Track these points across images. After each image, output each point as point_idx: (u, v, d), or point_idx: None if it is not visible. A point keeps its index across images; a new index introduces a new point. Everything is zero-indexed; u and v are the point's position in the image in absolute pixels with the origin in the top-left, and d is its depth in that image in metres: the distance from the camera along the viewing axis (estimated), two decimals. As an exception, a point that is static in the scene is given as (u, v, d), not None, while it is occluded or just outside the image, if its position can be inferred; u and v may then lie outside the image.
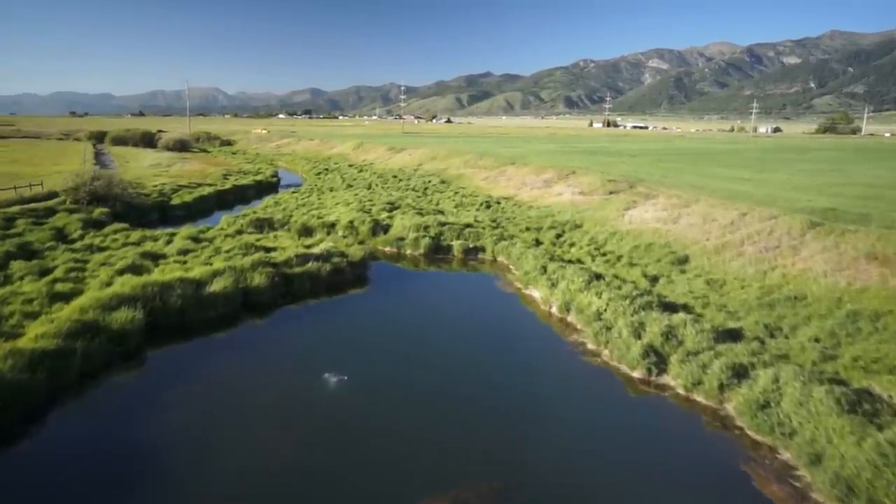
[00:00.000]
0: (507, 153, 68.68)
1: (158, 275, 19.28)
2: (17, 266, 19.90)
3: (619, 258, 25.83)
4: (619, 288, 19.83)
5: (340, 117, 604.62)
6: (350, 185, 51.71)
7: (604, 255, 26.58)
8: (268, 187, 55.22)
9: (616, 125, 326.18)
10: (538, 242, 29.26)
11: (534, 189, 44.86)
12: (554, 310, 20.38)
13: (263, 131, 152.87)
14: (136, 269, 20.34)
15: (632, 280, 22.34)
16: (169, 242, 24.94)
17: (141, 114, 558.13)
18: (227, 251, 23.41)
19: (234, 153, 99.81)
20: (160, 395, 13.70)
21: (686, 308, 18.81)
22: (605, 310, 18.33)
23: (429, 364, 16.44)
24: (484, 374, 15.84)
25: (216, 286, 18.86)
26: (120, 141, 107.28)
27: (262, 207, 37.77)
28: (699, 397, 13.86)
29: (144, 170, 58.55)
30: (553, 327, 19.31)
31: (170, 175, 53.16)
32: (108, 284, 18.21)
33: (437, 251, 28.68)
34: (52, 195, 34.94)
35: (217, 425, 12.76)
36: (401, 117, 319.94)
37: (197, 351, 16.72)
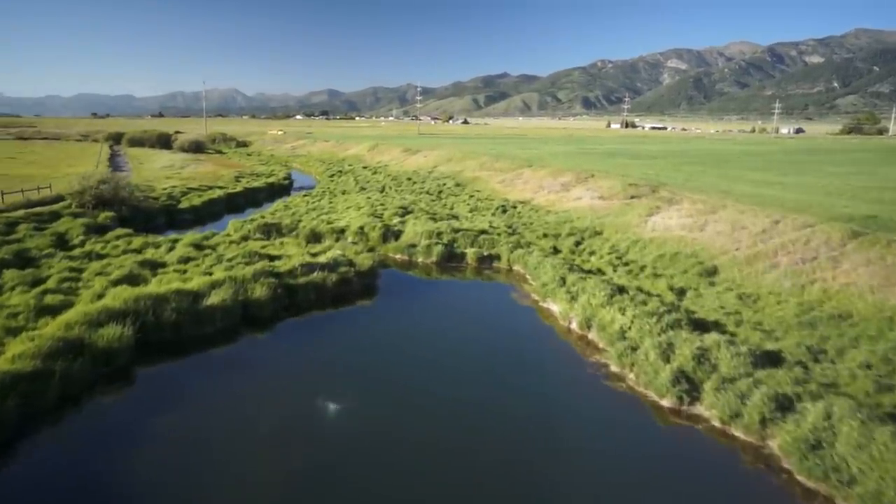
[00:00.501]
0: (523, 155, 67.24)
1: (154, 286, 18.26)
2: (8, 275, 19.01)
3: (642, 268, 24.35)
4: (645, 303, 18.38)
5: (357, 118, 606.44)
6: (363, 188, 50.66)
7: (626, 264, 25.11)
8: (280, 190, 54.42)
9: (634, 126, 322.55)
10: (556, 250, 27.88)
11: (551, 193, 43.42)
12: (574, 326, 19.00)
13: (279, 132, 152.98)
14: (132, 279, 19.35)
15: (657, 293, 20.89)
16: (171, 250, 23.99)
17: (160, 115, 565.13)
18: (230, 259, 22.37)
19: (249, 154, 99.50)
20: (143, 423, 12.58)
21: (718, 326, 17.35)
22: (630, 328, 16.92)
23: (438, 387, 15.18)
24: (498, 400, 14.53)
25: (214, 299, 17.78)
26: (137, 142, 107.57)
27: (272, 212, 36.82)
28: (738, 432, 12.42)
29: (157, 172, 58.08)
30: (573, 346, 17.93)
31: (181, 177, 52.55)
32: (100, 296, 17.21)
33: (451, 259, 27.42)
34: (60, 199, 34.29)
35: (206, 458, 11.62)
36: (417, 118, 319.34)
37: (190, 370, 15.62)
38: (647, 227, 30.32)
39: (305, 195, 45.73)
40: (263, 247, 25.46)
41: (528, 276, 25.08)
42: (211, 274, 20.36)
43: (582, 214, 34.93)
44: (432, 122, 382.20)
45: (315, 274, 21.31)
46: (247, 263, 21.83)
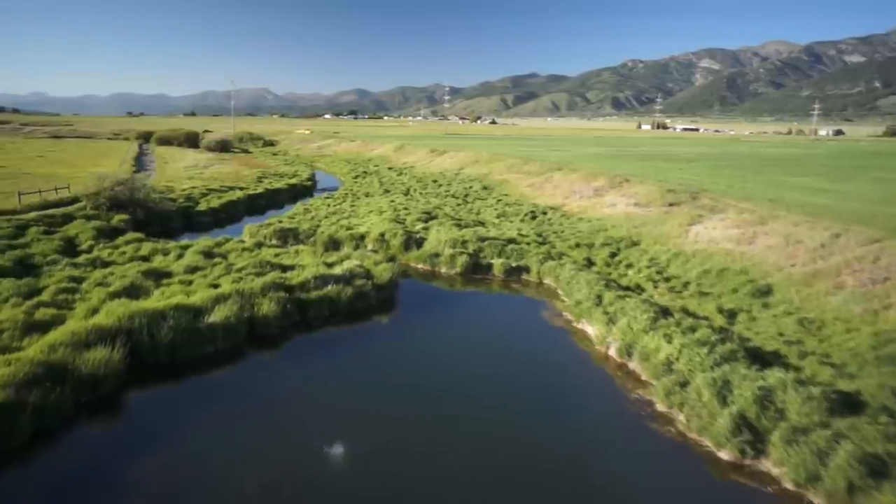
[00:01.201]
0: (553, 157, 65.08)
1: (153, 300, 16.88)
2: (4, 286, 17.82)
3: (685, 285, 22.23)
4: (693, 329, 16.31)
5: (385, 118, 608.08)
6: (387, 191, 49.14)
7: (667, 280, 22.99)
8: (303, 191, 53.25)
9: (665, 127, 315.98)
10: (590, 262, 25.87)
11: (583, 198, 41.30)
12: (612, 352, 17.04)
13: (306, 132, 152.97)
14: (132, 292, 18.01)
15: (704, 315, 18.80)
16: (179, 257, 22.69)
17: (192, 114, 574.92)
18: (240, 269, 20.93)
19: (274, 154, 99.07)
20: (120, 466, 11.07)
21: (778, 358, 15.23)
22: (678, 358, 14.92)
23: (460, 423, 13.41)
24: (529, 441, 12.72)
25: (217, 315, 16.30)
26: (165, 141, 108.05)
27: (290, 215, 35.48)
28: (818, 499, 10.39)
29: (180, 171, 57.48)
30: (611, 376, 15.99)
31: (203, 178, 51.74)
32: (95, 311, 15.87)
33: (476, 270, 25.62)
34: (76, 200, 33.43)
35: (187, 511, 10.08)
36: (445, 118, 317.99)
37: (183, 399, 14.10)
38: (688, 238, 28.09)
39: (327, 197, 44.38)
40: (277, 255, 24.01)
41: (559, 292, 23.15)
42: (217, 286, 18.93)
43: (617, 223, 32.78)
44: (460, 122, 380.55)
45: (329, 287, 19.73)
46: (257, 274, 20.36)
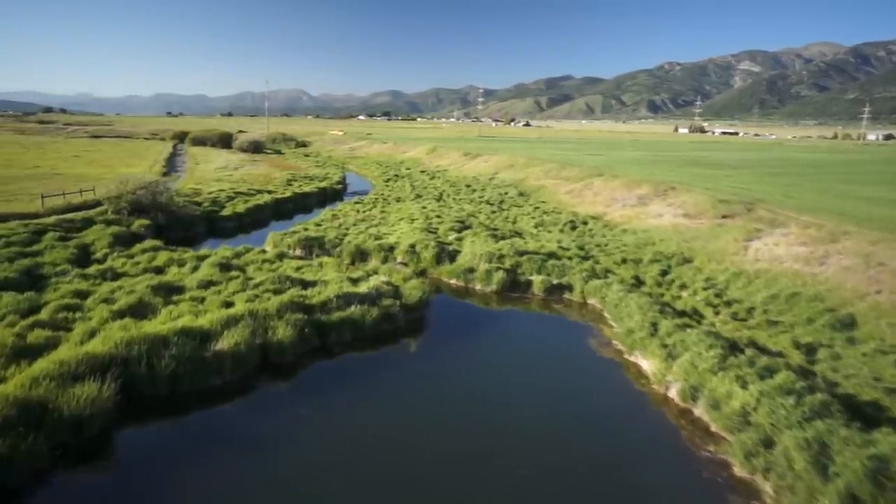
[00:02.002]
0: (591, 162, 62.51)
1: (158, 322, 15.29)
2: (4, 301, 16.49)
3: (750, 311, 19.76)
4: (771, 372, 13.90)
5: (418, 119, 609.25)
6: (419, 195, 47.33)
7: (728, 305, 20.53)
8: (332, 195, 51.82)
9: (704, 131, 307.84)
10: (639, 281, 23.53)
11: (626, 207, 38.80)
12: (673, 395, 14.77)
13: (339, 133, 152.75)
14: (138, 310, 16.48)
15: (778, 350, 16.40)
16: (195, 269, 21.16)
17: (229, 114, 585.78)
18: (257, 285, 19.27)
19: (306, 155, 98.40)
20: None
21: (880, 411, 12.80)
22: (756, 409, 12.61)
23: (499, 474, 11.37)
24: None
25: (226, 342, 14.60)
26: (199, 141, 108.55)
27: (317, 221, 33.91)
28: None
29: (210, 173, 56.72)
30: (674, 424, 13.73)
31: (232, 180, 50.75)
32: (93, 334, 14.33)
33: (514, 287, 23.53)
34: (100, 203, 32.44)
35: None
36: (479, 120, 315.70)
37: (180, 442, 12.31)
38: (747, 255, 25.51)
39: (357, 202, 42.77)
40: (299, 268, 22.32)
41: (606, 315, 20.90)
42: (231, 304, 17.31)
43: (665, 236, 30.28)
44: (493, 125, 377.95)
45: (353, 308, 17.89)
46: (275, 291, 18.68)
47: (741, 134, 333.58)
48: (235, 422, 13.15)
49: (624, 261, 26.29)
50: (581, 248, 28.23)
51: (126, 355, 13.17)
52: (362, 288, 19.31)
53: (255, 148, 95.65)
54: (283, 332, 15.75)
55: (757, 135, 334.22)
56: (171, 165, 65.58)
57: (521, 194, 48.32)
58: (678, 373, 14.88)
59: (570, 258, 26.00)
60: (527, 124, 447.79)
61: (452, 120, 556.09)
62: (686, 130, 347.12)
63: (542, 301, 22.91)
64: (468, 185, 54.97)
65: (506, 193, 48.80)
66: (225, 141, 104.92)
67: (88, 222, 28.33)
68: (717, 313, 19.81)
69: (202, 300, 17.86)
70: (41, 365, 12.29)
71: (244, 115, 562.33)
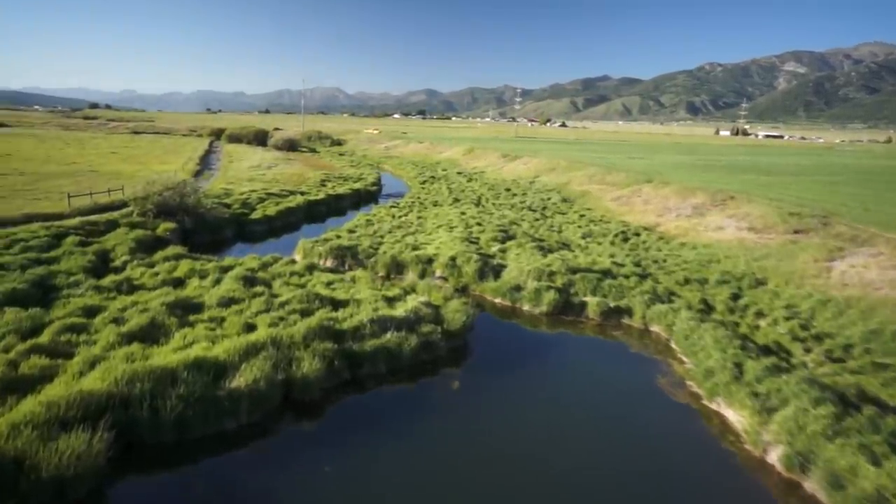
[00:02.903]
0: (636, 166, 59.41)
1: (168, 351, 13.39)
2: (7, 317, 14.86)
3: (847, 349, 16.96)
4: (903, 439, 11.28)
5: (453, 118, 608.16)
6: (457, 199, 45.10)
7: (818, 339, 17.75)
8: (367, 197, 49.99)
9: (747, 134, 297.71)
10: (707, 306, 20.84)
11: (681, 217, 35.91)
12: (773, 460, 12.20)
13: (374, 132, 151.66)
14: (149, 333, 14.66)
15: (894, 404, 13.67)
16: (217, 283, 19.34)
17: (266, 111, 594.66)
18: (283, 304, 17.32)
19: (341, 154, 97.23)
20: None
21: None
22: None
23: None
24: None
25: (244, 377, 12.62)
26: (235, 139, 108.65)
27: (351, 227, 31.98)
28: None
29: (243, 172, 55.55)
30: (776, 500, 11.20)
31: (265, 180, 49.35)
32: (94, 364, 12.52)
33: (566, 309, 21.10)
34: (126, 203, 31.13)
35: None
36: (514, 120, 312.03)
37: (184, 501, 10.41)
38: (831, 278, 22.56)
39: (392, 206, 40.78)
40: (329, 283, 20.32)
41: (674, 346, 18.35)
42: (252, 327, 15.38)
43: (731, 252, 27.41)
44: (529, 125, 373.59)
45: (389, 335, 15.78)
46: (303, 312, 16.70)
47: (786, 137, 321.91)
48: (251, 474, 11.13)
49: (687, 281, 23.59)
50: (637, 265, 25.62)
51: (127, 394, 11.29)
52: (399, 310, 17.18)
53: (290, 146, 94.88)
54: (309, 364, 13.71)
55: (803, 138, 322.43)
56: (205, 163, 64.81)
57: (564, 200, 45.67)
58: (779, 433, 12.31)
59: (626, 276, 23.43)
60: (563, 125, 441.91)
61: (488, 120, 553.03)
62: (727, 133, 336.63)
63: (597, 326, 20.44)
64: (508, 189, 52.54)
65: (548, 199, 46.22)
66: (260, 139, 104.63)
67: (112, 225, 26.93)
68: (807, 350, 17.08)
69: (221, 321, 15.98)
70: (27, 406, 10.48)
71: (281, 113, 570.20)
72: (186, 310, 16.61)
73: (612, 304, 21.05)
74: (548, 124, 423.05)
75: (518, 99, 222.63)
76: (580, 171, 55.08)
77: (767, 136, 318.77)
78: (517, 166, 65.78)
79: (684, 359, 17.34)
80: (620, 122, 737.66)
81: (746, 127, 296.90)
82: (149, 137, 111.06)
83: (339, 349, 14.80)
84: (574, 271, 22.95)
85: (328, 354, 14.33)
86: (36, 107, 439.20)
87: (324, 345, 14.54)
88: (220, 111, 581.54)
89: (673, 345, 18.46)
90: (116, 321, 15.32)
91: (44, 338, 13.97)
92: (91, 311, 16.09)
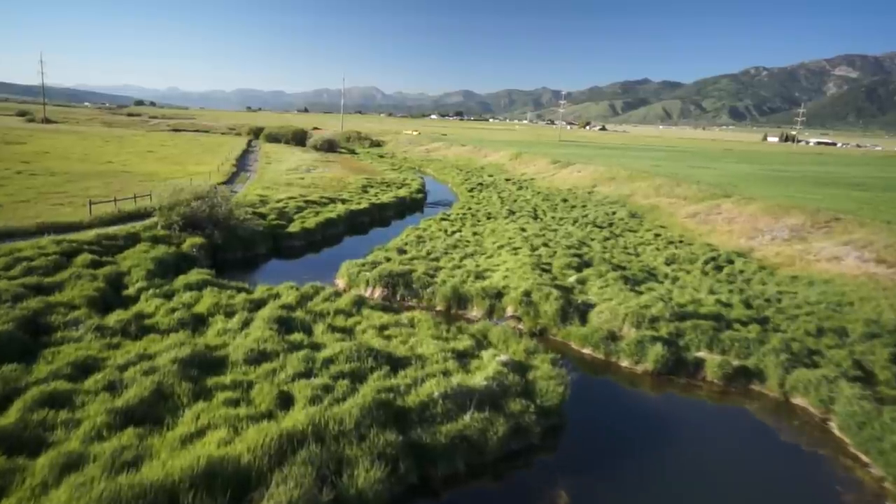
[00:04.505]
0: (704, 177, 54.21)
1: (169, 444, 9.59)
2: (-29, 380, 11.33)
3: None
4: None
5: (491, 120, 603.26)
6: (512, 211, 40.87)
7: None
8: (412, 205, 46.17)
9: (796, 140, 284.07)
10: (863, 370, 16.18)
11: (777, 241, 31.00)
12: None
13: (414, 133, 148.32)
14: (151, 408, 10.92)
15: None
16: (246, 324, 15.60)
17: (305, 110, 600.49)
18: (328, 361, 13.42)
19: (381, 156, 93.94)
20: None
21: None
22: None
23: None
24: None
25: (274, 499, 8.73)
26: (273, 138, 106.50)
27: (400, 245, 28.07)
28: None
29: (281, 174, 52.38)
30: None
31: (303, 184, 45.93)
32: (65, 470, 8.79)
33: (676, 367, 16.75)
34: (150, 214, 27.89)
35: None
36: (553, 122, 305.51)
37: None
38: None
39: (443, 219, 36.77)
40: (383, 329, 16.36)
41: (837, 431, 13.85)
42: (288, 401, 11.54)
43: (864, 293, 22.49)
44: (568, 128, 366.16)
45: (468, 417, 11.74)
46: (353, 376, 12.80)
47: (839, 145, 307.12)
48: None
49: (819, 330, 18.89)
50: (748, 305, 20.98)
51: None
52: (478, 377, 13.10)
53: (330, 147, 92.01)
54: (366, 471, 9.74)
55: (859, 146, 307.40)
56: (241, 164, 62.04)
57: (632, 215, 40.99)
58: None
59: (742, 323, 18.87)
60: (602, 128, 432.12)
61: (525, 122, 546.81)
62: (776, 139, 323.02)
63: (719, 393, 16.03)
64: (564, 200, 48.06)
65: (613, 213, 41.62)
66: (299, 138, 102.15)
67: (132, 239, 23.57)
68: None
69: (248, 388, 12.16)
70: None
71: (319, 112, 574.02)
72: (204, 368, 12.84)
73: (735, 363, 16.60)
74: (587, 127, 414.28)
75: (563, 101, 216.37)
76: (644, 182, 50.21)
77: (819, 143, 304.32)
78: (571, 174, 61.13)
79: (862, 457, 12.82)
80: (661, 127, 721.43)
81: (795, 133, 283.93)
82: (187, 136, 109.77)
83: (405, 442, 10.81)
84: (682, 318, 18.50)
85: (390, 451, 10.36)
86: (86, 103, 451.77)
87: (384, 436, 10.57)
88: (260, 109, 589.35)
89: (836, 431, 13.93)
90: (112, 387, 11.61)
91: (10, 417, 10.34)
92: (84, 369, 12.45)
